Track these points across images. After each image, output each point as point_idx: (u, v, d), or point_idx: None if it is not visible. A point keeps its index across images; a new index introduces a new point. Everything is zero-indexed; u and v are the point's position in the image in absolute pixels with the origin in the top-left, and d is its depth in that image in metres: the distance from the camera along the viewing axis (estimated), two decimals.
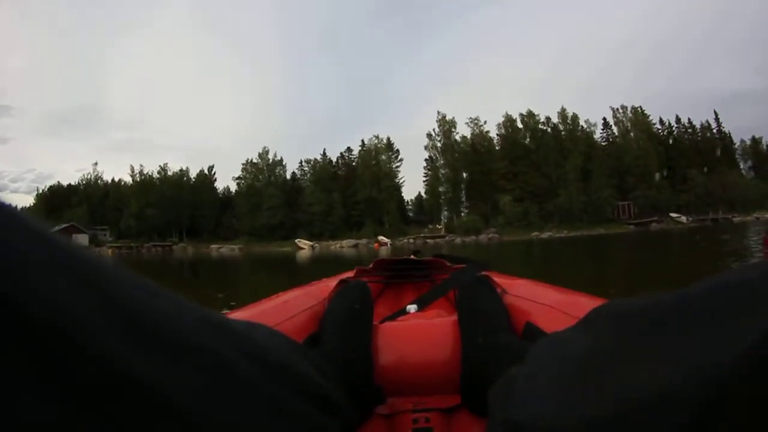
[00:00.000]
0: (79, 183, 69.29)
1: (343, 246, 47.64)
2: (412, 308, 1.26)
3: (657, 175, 55.40)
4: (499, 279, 1.29)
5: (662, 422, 0.26)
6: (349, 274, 1.82)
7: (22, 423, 0.21)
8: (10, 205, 0.26)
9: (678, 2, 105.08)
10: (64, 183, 70.17)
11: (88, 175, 69.69)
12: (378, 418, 0.86)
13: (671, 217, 50.58)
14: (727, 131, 62.94)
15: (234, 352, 0.36)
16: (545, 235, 47.74)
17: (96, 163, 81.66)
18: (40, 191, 70.18)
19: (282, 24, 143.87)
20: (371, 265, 2.22)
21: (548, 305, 0.98)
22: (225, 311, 1.04)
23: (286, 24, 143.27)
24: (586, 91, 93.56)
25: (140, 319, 0.29)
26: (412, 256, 2.58)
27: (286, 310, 1.04)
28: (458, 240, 47.97)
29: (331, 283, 1.35)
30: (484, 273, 1.35)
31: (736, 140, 63.58)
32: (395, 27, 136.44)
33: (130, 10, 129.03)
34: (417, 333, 1.00)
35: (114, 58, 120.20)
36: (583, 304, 0.91)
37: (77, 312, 0.25)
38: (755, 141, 63.40)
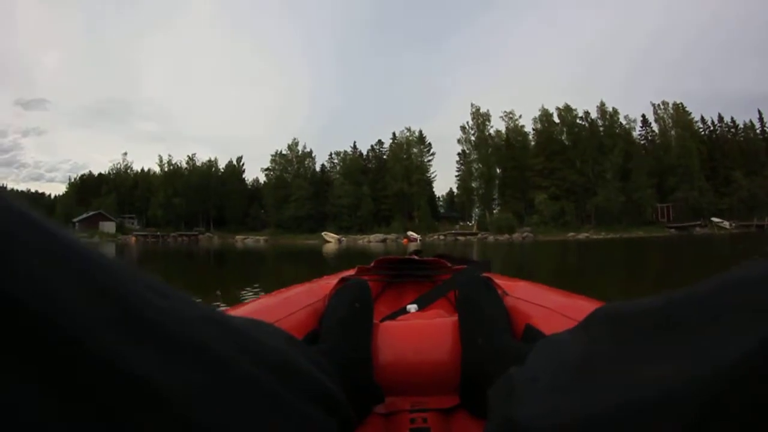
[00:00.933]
0: (109, 172, 68.67)
1: (371, 240, 45.49)
2: (412, 308, 1.28)
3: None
4: (499, 280, 1.27)
5: (659, 424, 0.26)
6: (351, 272, 1.81)
7: (15, 420, 0.20)
8: (7, 192, 0.26)
9: None
10: (97, 173, 70.00)
11: (117, 164, 69.16)
12: (376, 417, 0.86)
13: (713, 222, 47.60)
14: None
15: (235, 350, 0.35)
16: (582, 235, 44.91)
17: (125, 153, 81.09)
18: (72, 180, 69.23)
19: (314, 16, 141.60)
20: (372, 264, 2.10)
21: (548, 308, 0.98)
22: (226, 307, 1.03)
23: (317, 16, 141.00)
24: (623, 88, 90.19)
25: (140, 316, 0.28)
26: (414, 256, 2.36)
27: (286, 306, 1.05)
28: (491, 238, 45.40)
29: (332, 280, 1.33)
30: (485, 274, 1.36)
31: None
32: (430, 19, 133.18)
33: (161, 7, 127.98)
34: (417, 333, 1.00)
35: (146, 52, 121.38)
36: (583, 306, 0.92)
37: (74, 306, 0.24)
38: None
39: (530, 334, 0.92)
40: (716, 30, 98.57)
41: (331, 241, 44.92)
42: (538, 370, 0.44)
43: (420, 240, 44.54)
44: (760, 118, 58.25)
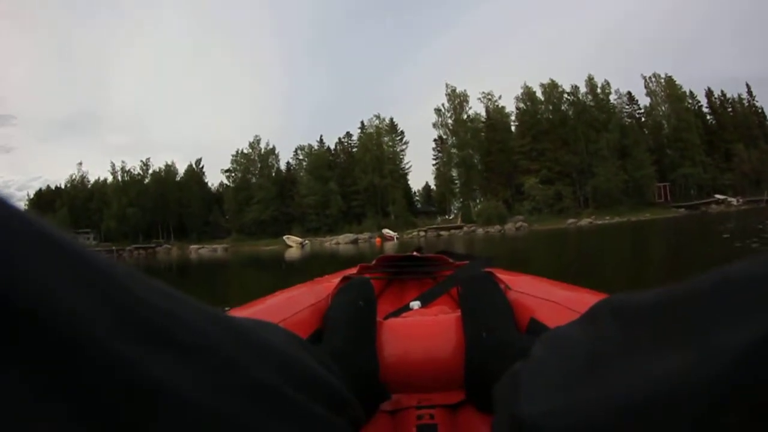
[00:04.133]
0: (65, 185, 57.97)
1: (339, 242, 36.29)
2: (415, 305, 1.22)
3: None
4: (502, 275, 1.20)
5: (669, 417, 0.25)
6: (352, 270, 1.74)
7: (21, 422, 0.19)
8: (11, 202, 0.23)
9: None
10: (54, 186, 59.34)
11: (73, 176, 58.32)
12: (382, 415, 0.82)
13: (717, 199, 40.05)
14: (760, 106, 51.07)
15: (241, 351, 0.33)
16: (584, 222, 36.26)
17: (80, 163, 68.51)
18: (30, 196, 58.41)
19: (279, 7, 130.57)
20: (374, 262, 2.06)
21: (552, 301, 0.95)
22: (229, 308, 0.98)
23: (283, 7, 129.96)
24: (603, 63, 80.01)
25: (146, 318, 0.26)
26: (415, 253, 2.30)
27: (289, 306, 1.00)
28: (479, 231, 36.47)
29: (335, 279, 1.26)
30: (487, 269, 1.29)
31: None
32: (403, 10, 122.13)
33: (124, 15, 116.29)
34: (421, 329, 0.96)
35: (112, 62, 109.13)
36: (588, 299, 0.87)
37: (80, 310, 0.23)
38: None
39: (535, 328, 0.88)
40: (698, 9, 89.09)
41: (293, 245, 36.07)
42: (543, 364, 0.42)
43: (397, 238, 35.69)
44: (749, 92, 50.67)
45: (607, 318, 0.37)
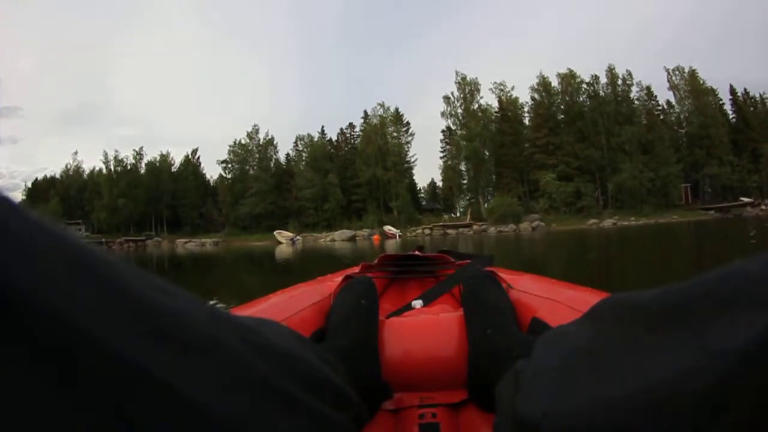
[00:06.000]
0: (61, 175, 54.00)
1: (335, 239, 32.05)
2: (417, 304, 1.20)
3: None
4: (503, 274, 1.17)
5: (669, 417, 0.24)
6: (355, 269, 1.69)
7: (30, 421, 0.19)
8: (9, 197, 0.23)
9: None
10: (50, 176, 55.35)
11: (68, 166, 54.33)
12: (384, 413, 0.81)
13: (751, 202, 35.64)
14: None
15: (244, 348, 0.33)
16: (607, 222, 31.76)
17: (76, 153, 64.56)
18: (26, 186, 55.53)
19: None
20: (376, 261, 2.00)
21: (554, 300, 0.92)
22: (232, 307, 0.99)
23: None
24: (622, 56, 74.70)
25: (149, 316, 0.26)
26: (416, 252, 2.26)
27: (292, 305, 0.99)
28: (491, 230, 31.87)
29: (337, 278, 1.23)
30: (488, 268, 1.27)
31: None
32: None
33: (128, 7, 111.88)
34: (423, 328, 0.93)
35: (117, 54, 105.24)
36: (589, 298, 0.86)
37: (89, 307, 0.22)
38: None
39: (537, 327, 0.86)
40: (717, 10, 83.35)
41: (283, 241, 31.52)
42: (544, 363, 0.41)
43: (399, 236, 31.20)
44: None
45: (608, 317, 0.36)
